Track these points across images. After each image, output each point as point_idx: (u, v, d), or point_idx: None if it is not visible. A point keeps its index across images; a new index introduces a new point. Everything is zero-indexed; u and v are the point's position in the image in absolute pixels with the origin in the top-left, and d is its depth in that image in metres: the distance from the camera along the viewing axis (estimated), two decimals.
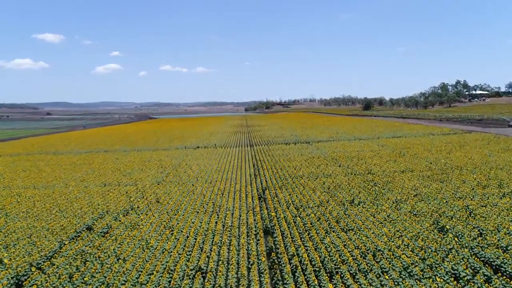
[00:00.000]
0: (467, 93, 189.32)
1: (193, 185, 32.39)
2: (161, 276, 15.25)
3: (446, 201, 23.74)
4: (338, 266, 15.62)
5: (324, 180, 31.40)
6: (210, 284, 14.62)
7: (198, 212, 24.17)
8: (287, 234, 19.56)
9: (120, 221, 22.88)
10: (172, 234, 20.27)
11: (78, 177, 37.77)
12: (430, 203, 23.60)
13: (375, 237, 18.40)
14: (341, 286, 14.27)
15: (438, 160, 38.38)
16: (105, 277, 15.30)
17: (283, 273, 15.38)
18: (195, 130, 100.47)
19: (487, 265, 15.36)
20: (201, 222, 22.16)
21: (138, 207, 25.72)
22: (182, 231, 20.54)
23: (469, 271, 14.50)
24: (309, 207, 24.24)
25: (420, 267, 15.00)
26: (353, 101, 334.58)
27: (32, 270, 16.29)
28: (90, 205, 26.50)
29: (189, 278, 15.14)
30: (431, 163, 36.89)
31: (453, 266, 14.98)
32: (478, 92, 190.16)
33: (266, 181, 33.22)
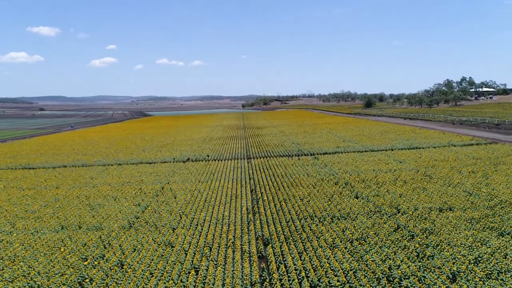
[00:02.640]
0: (472, 90, 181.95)
1: (173, 230, 25.17)
2: None
3: None
4: None
5: (344, 226, 24.21)
6: None
7: None
8: None
9: None
10: None
11: (34, 212, 30.42)
12: (504, 283, 16.51)
13: None
14: None
15: (477, 188, 31.32)
16: None
17: None
18: (187, 134, 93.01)
19: None
20: None
21: (91, 280, 18.48)
22: None
23: None
24: (331, 285, 17.09)
25: None
26: (352, 97, 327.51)
27: None
28: (25, 275, 19.22)
29: None
30: (470, 194, 29.84)
31: None
32: (485, 89, 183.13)
33: (267, 222, 26.07)
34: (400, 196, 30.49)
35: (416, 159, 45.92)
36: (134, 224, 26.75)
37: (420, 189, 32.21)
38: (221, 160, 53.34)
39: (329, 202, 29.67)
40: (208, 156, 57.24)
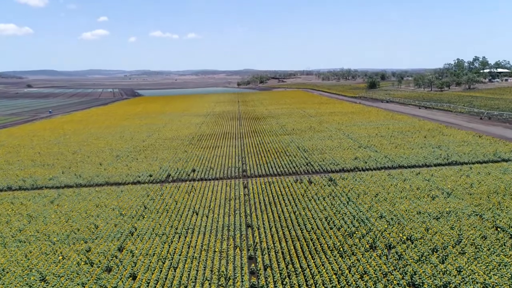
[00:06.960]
0: (487, 71, 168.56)
1: None
2: None
3: None
4: None
5: None
6: None
7: None
8: None
9: None
10: None
11: None
12: None
13: None
14: None
15: None
16: None
17: None
18: (174, 128, 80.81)
19: None
20: None
21: None
22: None
23: None
24: None
25: None
26: (353, 75, 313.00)
27: None
28: None
29: None
30: None
31: None
32: (499, 70, 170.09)
33: None
34: None
35: (467, 187, 34.64)
36: None
37: (509, 269, 20.96)
38: (210, 180, 41.76)
39: None
40: (194, 170, 45.66)
